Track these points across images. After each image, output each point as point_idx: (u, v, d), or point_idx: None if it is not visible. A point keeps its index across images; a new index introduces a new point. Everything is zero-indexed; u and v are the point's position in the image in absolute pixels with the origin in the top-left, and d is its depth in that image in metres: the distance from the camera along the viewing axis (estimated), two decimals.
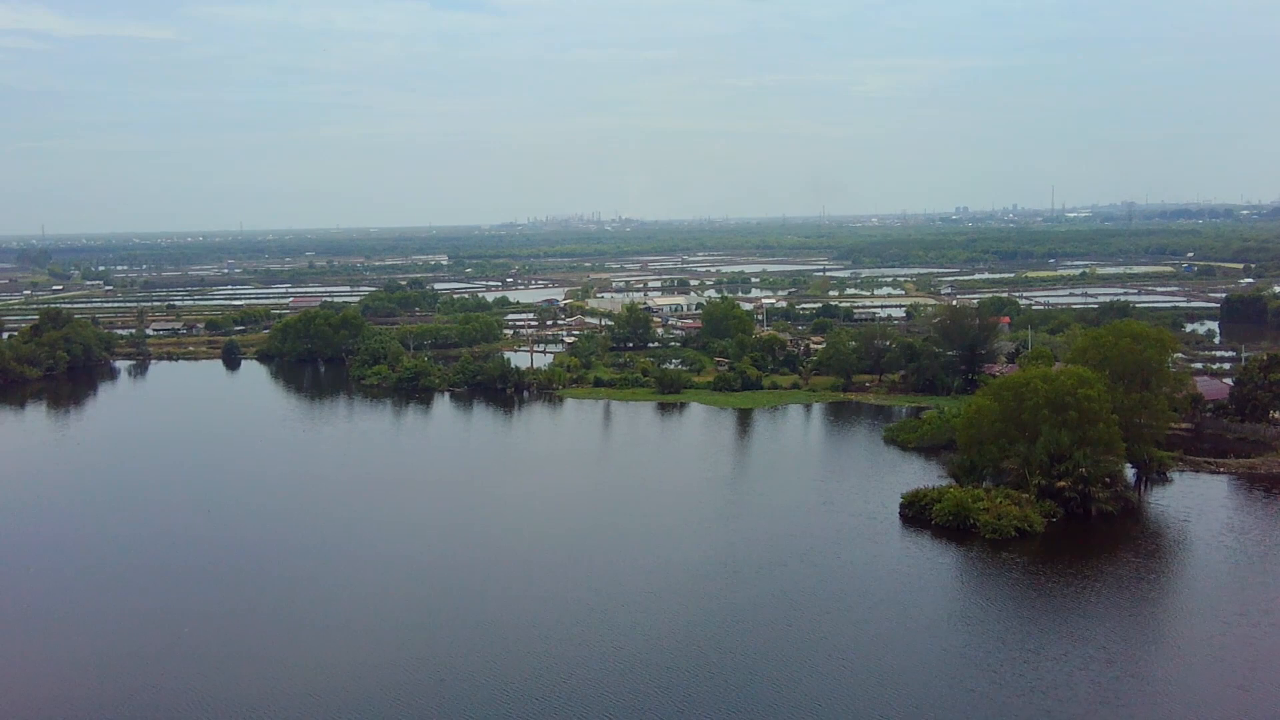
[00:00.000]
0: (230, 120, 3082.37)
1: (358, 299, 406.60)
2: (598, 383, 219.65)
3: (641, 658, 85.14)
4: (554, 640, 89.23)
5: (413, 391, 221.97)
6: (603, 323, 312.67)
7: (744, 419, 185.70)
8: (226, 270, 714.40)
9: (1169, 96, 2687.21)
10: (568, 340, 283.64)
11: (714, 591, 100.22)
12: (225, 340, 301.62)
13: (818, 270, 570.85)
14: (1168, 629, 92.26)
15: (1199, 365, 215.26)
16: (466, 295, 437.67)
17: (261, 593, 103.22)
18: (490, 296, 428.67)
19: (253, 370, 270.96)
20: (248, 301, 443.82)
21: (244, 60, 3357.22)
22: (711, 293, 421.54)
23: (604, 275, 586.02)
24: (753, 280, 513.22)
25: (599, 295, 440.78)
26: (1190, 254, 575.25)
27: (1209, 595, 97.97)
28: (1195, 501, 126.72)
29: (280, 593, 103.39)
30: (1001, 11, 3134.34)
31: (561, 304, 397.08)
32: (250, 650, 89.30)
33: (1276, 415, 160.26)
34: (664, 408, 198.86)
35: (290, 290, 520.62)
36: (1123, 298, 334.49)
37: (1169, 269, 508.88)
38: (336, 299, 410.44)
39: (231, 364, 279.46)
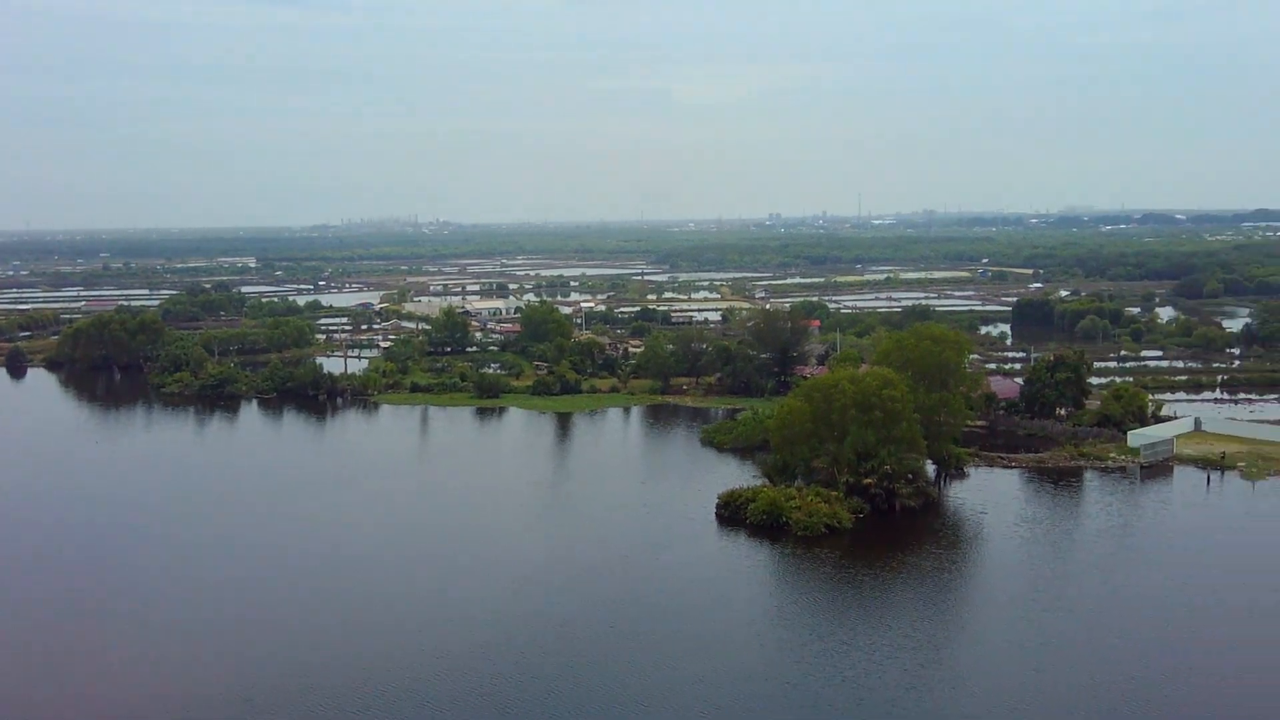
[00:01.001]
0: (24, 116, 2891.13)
1: (157, 303, 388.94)
2: (415, 388, 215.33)
3: (463, 664, 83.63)
4: (374, 648, 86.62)
5: (217, 399, 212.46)
6: (420, 327, 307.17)
7: (563, 423, 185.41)
8: (11, 272, 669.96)
9: (966, 109, 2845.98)
10: (383, 345, 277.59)
11: (536, 597, 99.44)
12: (9, 347, 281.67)
13: (636, 274, 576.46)
14: (967, 616, 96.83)
15: (993, 365, 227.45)
16: (276, 299, 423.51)
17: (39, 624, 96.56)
18: (302, 300, 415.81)
19: (40, 379, 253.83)
20: (35, 305, 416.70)
21: (51, 53, 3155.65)
22: (530, 296, 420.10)
23: (421, 279, 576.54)
24: (572, 284, 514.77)
25: (416, 299, 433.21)
26: (985, 260, 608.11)
27: (1005, 583, 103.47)
28: (990, 495, 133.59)
29: (62, 621, 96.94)
30: (817, 25, 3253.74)
31: (377, 308, 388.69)
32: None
33: (1062, 412, 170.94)
34: (483, 412, 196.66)
35: (83, 294, 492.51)
36: (924, 301, 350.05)
37: (966, 274, 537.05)
38: (134, 302, 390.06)
39: (16, 372, 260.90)
